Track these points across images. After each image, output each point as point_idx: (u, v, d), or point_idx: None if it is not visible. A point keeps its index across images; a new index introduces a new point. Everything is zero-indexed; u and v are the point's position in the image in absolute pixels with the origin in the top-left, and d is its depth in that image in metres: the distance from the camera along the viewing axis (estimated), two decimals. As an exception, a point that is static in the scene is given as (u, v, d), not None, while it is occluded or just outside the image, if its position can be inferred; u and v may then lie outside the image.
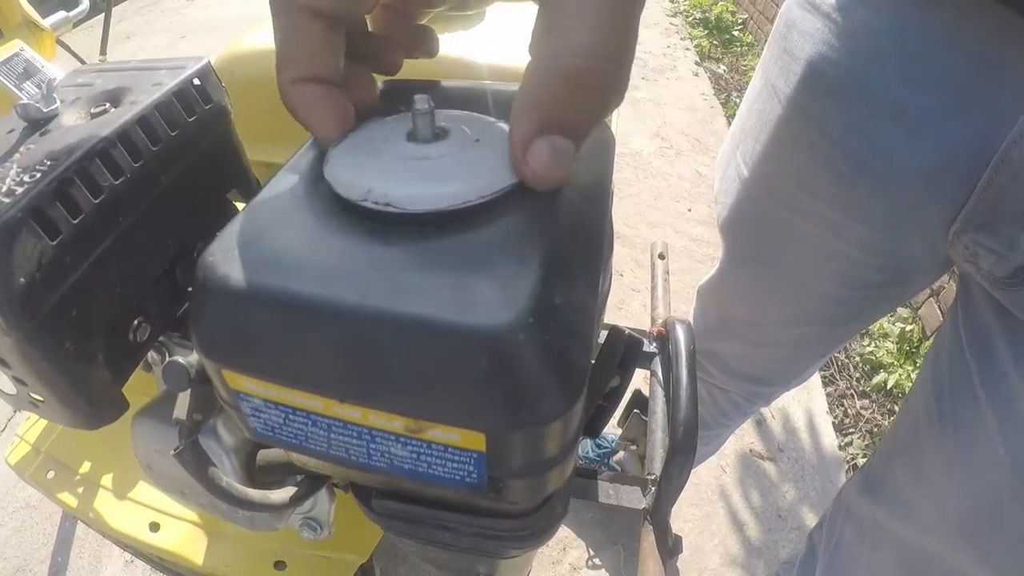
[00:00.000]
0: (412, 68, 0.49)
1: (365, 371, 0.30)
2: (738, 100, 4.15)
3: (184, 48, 4.89)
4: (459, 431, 0.30)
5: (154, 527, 0.87)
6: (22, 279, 0.42)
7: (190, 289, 0.35)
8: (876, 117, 0.74)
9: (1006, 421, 0.73)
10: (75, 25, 1.61)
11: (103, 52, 1.55)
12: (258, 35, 0.82)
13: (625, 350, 0.51)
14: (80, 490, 0.93)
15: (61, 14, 1.56)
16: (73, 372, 0.48)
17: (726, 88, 4.35)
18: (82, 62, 1.62)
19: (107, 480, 0.93)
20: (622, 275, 2.67)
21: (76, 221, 0.45)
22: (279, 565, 0.84)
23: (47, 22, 1.49)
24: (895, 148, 0.73)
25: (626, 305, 2.55)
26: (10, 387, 0.52)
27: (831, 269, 0.94)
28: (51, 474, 0.95)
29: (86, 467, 0.95)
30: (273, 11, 0.36)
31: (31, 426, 1.00)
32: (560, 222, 0.33)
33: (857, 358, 2.41)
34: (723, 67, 4.64)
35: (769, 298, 1.10)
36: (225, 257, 0.32)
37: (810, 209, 0.88)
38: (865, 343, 2.43)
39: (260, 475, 0.54)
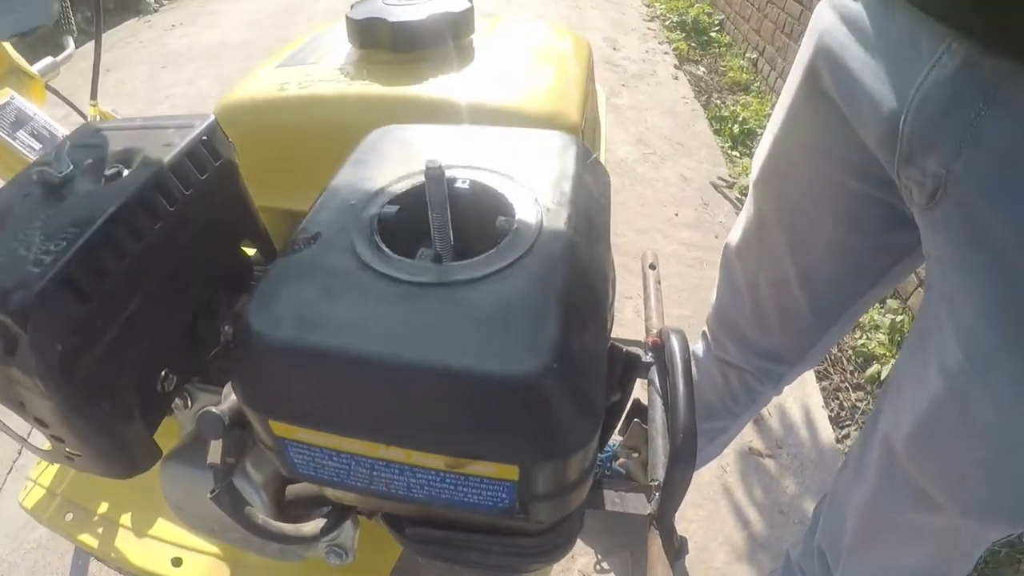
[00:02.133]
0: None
1: (409, 417, 0.33)
2: (719, 101, 4.19)
3: (165, 78, 4.86)
4: (495, 465, 0.34)
5: (176, 562, 0.88)
6: (59, 346, 0.45)
7: (232, 346, 0.38)
8: (852, 77, 0.90)
9: (940, 340, 0.85)
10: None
11: (93, 97, 1.55)
12: (255, 83, 0.84)
13: (623, 367, 0.54)
14: (100, 530, 0.94)
15: (49, 60, 1.56)
16: (110, 428, 0.50)
17: (706, 90, 4.37)
18: (75, 108, 1.62)
19: (126, 519, 0.94)
20: (613, 282, 2.68)
21: (105, 285, 0.48)
22: (300, 591, 0.85)
23: (35, 68, 1.49)
24: (860, 102, 0.90)
25: (619, 312, 2.56)
26: (43, 442, 0.55)
27: (838, 214, 1.08)
28: (69, 516, 0.95)
29: (104, 507, 0.96)
30: None
31: (43, 470, 1.00)
32: (570, 269, 0.37)
33: (850, 351, 2.43)
34: (702, 69, 4.66)
35: (788, 253, 1.21)
36: (263, 317, 0.36)
37: (822, 154, 1.05)
38: (857, 336, 2.45)
39: (289, 508, 0.57)
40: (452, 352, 0.32)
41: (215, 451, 0.48)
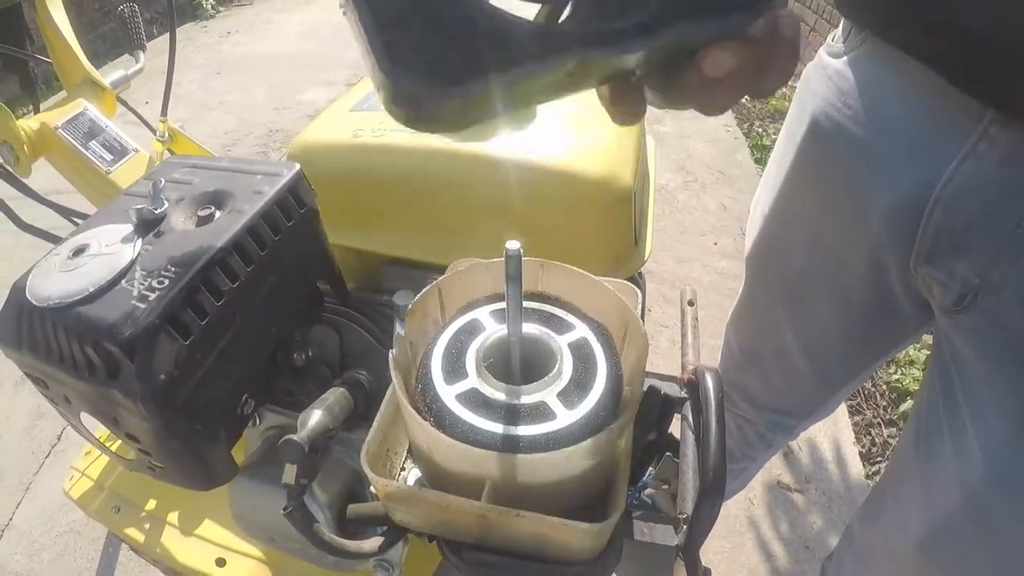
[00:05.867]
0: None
1: None
2: (760, 129, 4.19)
3: (219, 84, 4.95)
4: None
5: (220, 562, 0.92)
6: (162, 376, 0.51)
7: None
8: (854, 161, 0.84)
9: (960, 450, 0.80)
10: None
11: (164, 113, 1.61)
12: (329, 126, 0.88)
13: (661, 408, 0.59)
14: (147, 526, 0.98)
15: (120, 73, 1.61)
16: (199, 448, 0.57)
17: (748, 117, 4.37)
18: (145, 122, 1.68)
19: (173, 517, 0.98)
20: (651, 311, 2.68)
21: (203, 322, 0.54)
22: (339, 596, 0.89)
23: (107, 81, 1.55)
24: (866, 188, 0.82)
25: (654, 341, 2.56)
26: (122, 451, 0.61)
27: (838, 300, 1.02)
28: (118, 510, 0.99)
29: (152, 504, 1.00)
30: None
31: (91, 462, 1.04)
32: None
33: (884, 386, 2.41)
34: (745, 96, 4.65)
35: (789, 329, 1.17)
36: None
37: (820, 241, 0.98)
38: (891, 371, 2.44)
39: (349, 526, 0.62)
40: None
41: (290, 473, 0.54)
